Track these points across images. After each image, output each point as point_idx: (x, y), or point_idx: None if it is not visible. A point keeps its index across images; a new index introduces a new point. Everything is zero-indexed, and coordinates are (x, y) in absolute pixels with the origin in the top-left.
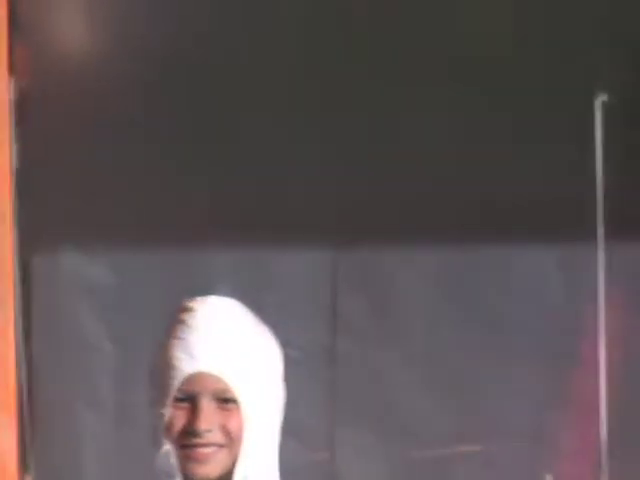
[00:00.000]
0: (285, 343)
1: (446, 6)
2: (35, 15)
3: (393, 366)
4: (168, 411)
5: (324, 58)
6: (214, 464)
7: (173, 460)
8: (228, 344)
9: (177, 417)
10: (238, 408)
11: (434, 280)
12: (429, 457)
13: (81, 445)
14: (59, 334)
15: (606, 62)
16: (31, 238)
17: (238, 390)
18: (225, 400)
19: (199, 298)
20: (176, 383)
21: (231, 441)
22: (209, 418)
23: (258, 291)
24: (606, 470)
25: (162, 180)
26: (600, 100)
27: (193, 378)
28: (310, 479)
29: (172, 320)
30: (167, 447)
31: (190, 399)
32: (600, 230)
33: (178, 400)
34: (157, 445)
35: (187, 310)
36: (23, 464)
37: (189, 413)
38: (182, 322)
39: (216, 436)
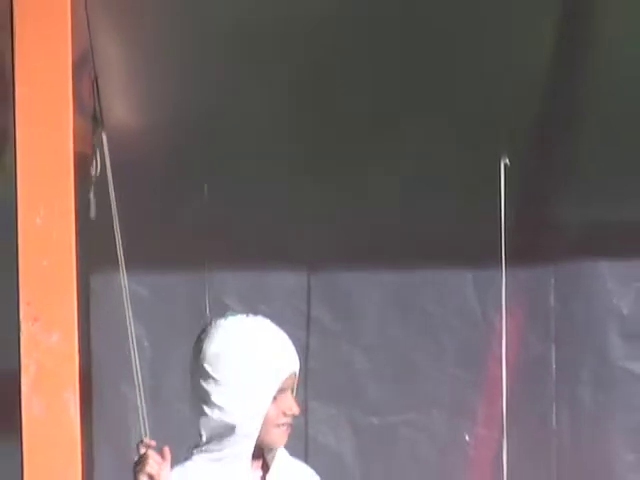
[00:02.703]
0: None
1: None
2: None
3: (353, 356)
4: (265, 401)
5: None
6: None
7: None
8: (288, 343)
9: (274, 406)
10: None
11: (385, 293)
12: (380, 422)
13: (126, 414)
14: (111, 334)
15: (509, 132)
16: (92, 265)
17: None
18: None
19: (237, 316)
20: (277, 381)
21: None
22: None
23: (255, 302)
24: (505, 433)
25: (183, 225)
26: (503, 162)
27: (289, 377)
28: (289, 438)
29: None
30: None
31: (282, 390)
32: (503, 258)
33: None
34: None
35: (251, 324)
36: (87, 431)
37: (282, 401)
38: (260, 333)
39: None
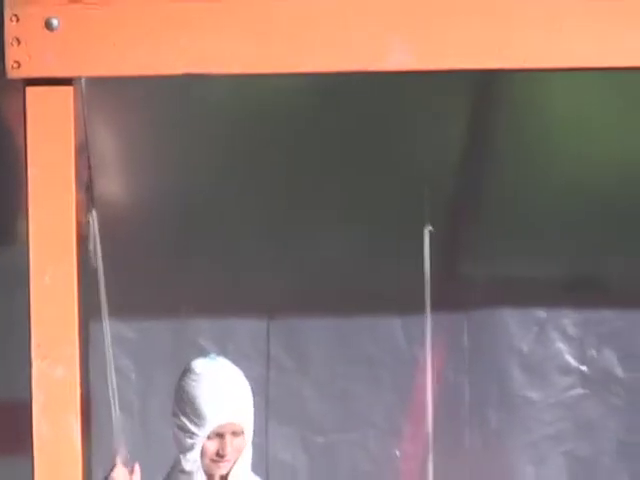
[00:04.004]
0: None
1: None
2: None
3: (304, 387)
4: (203, 440)
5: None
6: (229, 467)
7: (199, 464)
8: (240, 395)
9: (209, 445)
10: (243, 435)
11: (331, 335)
12: (326, 441)
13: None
14: (105, 369)
15: (431, 204)
16: (90, 314)
17: (245, 425)
18: (237, 434)
19: (208, 359)
20: (211, 428)
21: (238, 455)
22: (230, 448)
23: (224, 342)
24: (430, 449)
25: (164, 280)
26: (427, 230)
27: (222, 426)
28: (252, 455)
29: (190, 376)
30: (197, 457)
31: (219, 436)
32: (427, 307)
33: (211, 437)
34: (184, 450)
35: (204, 370)
36: (87, 448)
37: (218, 444)
38: (204, 380)
39: (232, 455)
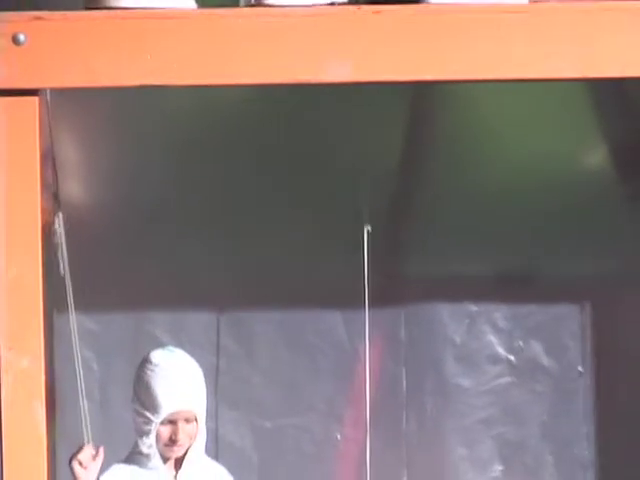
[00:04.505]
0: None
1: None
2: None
3: (252, 374)
4: (157, 426)
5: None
6: (183, 451)
7: (155, 447)
8: (192, 384)
9: (163, 431)
10: (195, 422)
11: (277, 326)
12: (272, 425)
13: (80, 419)
14: (68, 360)
15: (370, 201)
16: (54, 308)
17: (197, 412)
18: (189, 420)
19: (165, 351)
20: (164, 414)
21: (190, 439)
22: (182, 434)
23: (178, 334)
24: (368, 433)
25: (124, 277)
26: (366, 230)
27: (175, 413)
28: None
29: (148, 366)
30: (152, 441)
31: (172, 422)
32: (366, 302)
33: (164, 422)
34: (142, 435)
35: (160, 361)
36: (51, 431)
37: (171, 429)
38: (160, 370)
39: (184, 440)
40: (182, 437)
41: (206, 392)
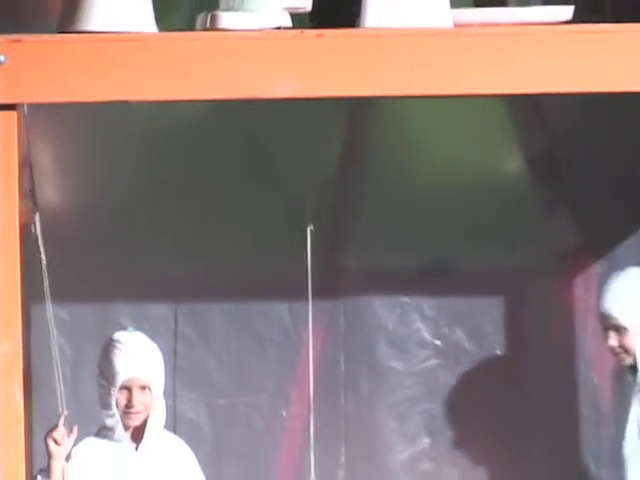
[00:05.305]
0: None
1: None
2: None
3: (206, 358)
4: (115, 393)
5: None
6: (140, 419)
7: (117, 417)
8: (146, 357)
9: (121, 398)
10: (151, 391)
11: (229, 315)
12: (225, 403)
13: (55, 401)
14: (44, 345)
15: (313, 203)
16: (31, 298)
17: (151, 382)
18: (144, 388)
19: (125, 332)
20: (120, 381)
21: (146, 408)
22: (137, 400)
23: (140, 322)
24: (313, 410)
25: (93, 271)
26: (309, 229)
27: (129, 380)
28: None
29: (110, 343)
30: (114, 410)
31: (127, 389)
32: (309, 292)
33: (121, 389)
34: (105, 407)
35: (120, 338)
36: (28, 413)
37: (127, 396)
38: (119, 345)
39: (140, 407)
40: (137, 403)
41: (165, 374)
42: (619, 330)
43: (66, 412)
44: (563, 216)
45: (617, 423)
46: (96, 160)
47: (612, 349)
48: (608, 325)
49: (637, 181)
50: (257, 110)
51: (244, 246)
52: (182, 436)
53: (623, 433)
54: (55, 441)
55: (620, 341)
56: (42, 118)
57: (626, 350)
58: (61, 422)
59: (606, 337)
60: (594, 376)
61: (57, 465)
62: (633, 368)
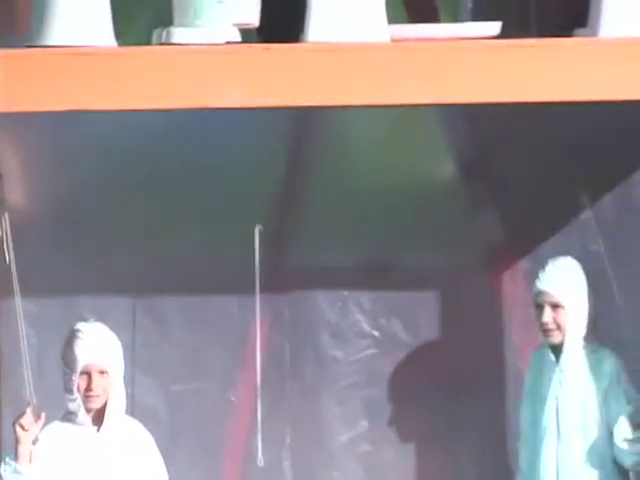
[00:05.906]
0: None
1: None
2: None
3: (163, 347)
4: (77, 378)
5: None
6: (100, 402)
7: (79, 401)
8: (104, 343)
9: (81, 382)
10: (109, 376)
11: (184, 309)
12: (179, 389)
13: (23, 387)
14: (13, 336)
15: (261, 205)
16: (1, 292)
17: (109, 367)
18: (102, 372)
19: (86, 323)
20: (80, 366)
21: (105, 392)
22: (96, 384)
23: (103, 314)
24: (260, 396)
25: (58, 267)
26: (258, 229)
27: (88, 365)
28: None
29: (72, 333)
30: (76, 395)
31: (87, 374)
32: (257, 287)
33: (81, 374)
34: (68, 392)
35: (81, 328)
36: None
37: (87, 380)
38: (80, 334)
39: (99, 391)
40: (96, 387)
41: (125, 363)
42: (554, 307)
43: (35, 401)
44: (492, 216)
45: (534, 400)
46: (59, 165)
47: (544, 325)
48: (543, 301)
49: (559, 185)
50: (209, 117)
51: (198, 244)
52: (140, 420)
53: (542, 409)
54: (22, 427)
55: (555, 318)
56: (10, 126)
57: (559, 327)
58: (29, 410)
59: (539, 315)
60: (519, 363)
61: (24, 449)
62: (557, 348)
